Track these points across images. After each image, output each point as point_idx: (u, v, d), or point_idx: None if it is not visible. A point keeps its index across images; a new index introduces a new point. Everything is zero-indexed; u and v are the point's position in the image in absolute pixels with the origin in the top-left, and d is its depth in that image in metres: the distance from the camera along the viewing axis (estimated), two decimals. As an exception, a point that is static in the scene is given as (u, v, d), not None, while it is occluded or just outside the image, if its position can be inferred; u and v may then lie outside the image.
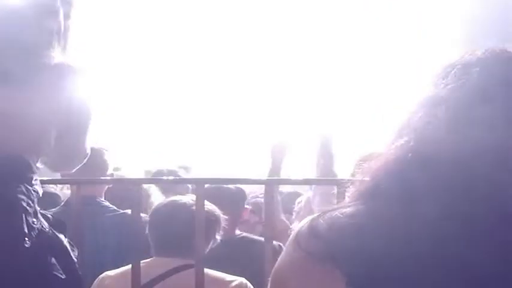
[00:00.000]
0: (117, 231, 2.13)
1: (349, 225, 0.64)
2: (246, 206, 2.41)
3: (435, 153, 0.65)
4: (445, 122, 0.66)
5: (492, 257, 0.60)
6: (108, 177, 2.41)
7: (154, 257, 1.78)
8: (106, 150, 2.44)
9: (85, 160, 1.52)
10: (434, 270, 0.60)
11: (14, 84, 1.29)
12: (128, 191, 2.02)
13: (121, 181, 2.33)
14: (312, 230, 0.66)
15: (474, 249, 0.60)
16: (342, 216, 0.66)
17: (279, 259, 0.70)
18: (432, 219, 0.61)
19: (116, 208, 2.29)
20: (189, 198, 1.85)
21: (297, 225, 0.72)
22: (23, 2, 1.36)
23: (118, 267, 1.81)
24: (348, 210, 0.67)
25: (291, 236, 0.72)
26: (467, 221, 0.61)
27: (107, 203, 2.32)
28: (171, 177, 2.65)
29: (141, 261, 1.64)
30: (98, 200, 2.31)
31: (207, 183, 2.28)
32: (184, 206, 1.79)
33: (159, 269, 1.70)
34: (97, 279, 1.73)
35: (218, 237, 1.85)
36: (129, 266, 1.67)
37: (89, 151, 1.50)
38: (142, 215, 2.26)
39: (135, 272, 1.61)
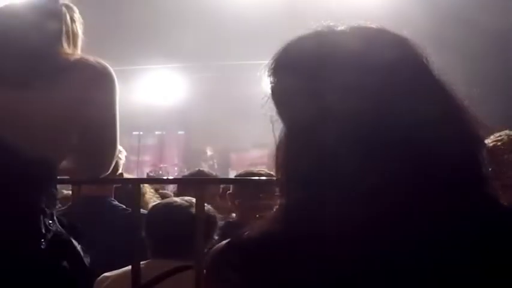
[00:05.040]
0: (125, 231, 2.13)
1: (263, 253, 0.63)
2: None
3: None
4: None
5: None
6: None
7: (151, 259, 1.77)
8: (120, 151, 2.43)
9: (116, 158, 1.49)
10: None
11: (31, 87, 1.28)
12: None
13: (121, 181, 2.33)
14: (227, 261, 0.65)
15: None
16: (255, 242, 0.64)
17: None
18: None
19: (125, 207, 2.29)
20: (184, 200, 1.86)
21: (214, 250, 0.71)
22: (29, 9, 1.36)
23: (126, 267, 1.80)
24: (261, 234, 0.65)
25: (209, 262, 0.72)
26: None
27: (116, 202, 2.33)
28: (170, 177, 2.65)
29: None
30: (108, 199, 2.31)
31: (207, 183, 2.28)
32: (181, 207, 1.80)
33: (156, 271, 1.68)
34: (96, 281, 1.71)
35: (216, 237, 1.85)
36: (128, 268, 1.66)
37: (119, 146, 1.48)
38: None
39: (135, 272, 1.60)
